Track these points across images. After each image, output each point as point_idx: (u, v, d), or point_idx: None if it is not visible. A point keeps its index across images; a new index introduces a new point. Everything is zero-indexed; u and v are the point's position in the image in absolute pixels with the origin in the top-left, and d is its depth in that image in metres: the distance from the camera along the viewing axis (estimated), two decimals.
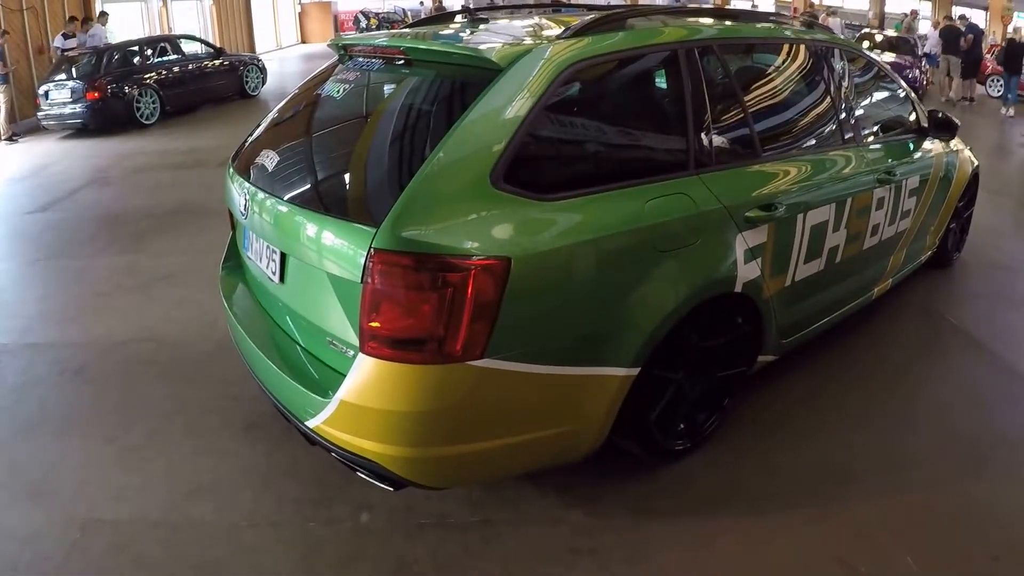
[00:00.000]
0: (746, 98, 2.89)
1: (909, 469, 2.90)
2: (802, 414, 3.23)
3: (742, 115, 2.82)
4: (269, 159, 2.66)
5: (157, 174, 8.25)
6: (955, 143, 4.29)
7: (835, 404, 3.33)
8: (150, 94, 11.63)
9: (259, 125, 3.03)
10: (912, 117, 3.96)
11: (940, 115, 4.00)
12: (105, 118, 10.94)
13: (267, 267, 2.54)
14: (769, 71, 3.19)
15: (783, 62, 3.23)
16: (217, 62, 13.36)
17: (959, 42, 13.81)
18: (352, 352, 2.14)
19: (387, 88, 2.71)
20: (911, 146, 3.78)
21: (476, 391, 2.08)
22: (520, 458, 2.39)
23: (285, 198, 2.40)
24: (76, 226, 6.37)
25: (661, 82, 2.67)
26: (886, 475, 2.86)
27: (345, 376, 2.09)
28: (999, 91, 14.25)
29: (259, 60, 14.87)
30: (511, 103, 2.15)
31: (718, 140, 2.68)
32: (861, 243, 3.35)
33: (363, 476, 2.31)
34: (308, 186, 2.51)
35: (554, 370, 2.21)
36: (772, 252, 2.75)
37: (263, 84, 14.62)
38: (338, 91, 2.75)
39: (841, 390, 3.45)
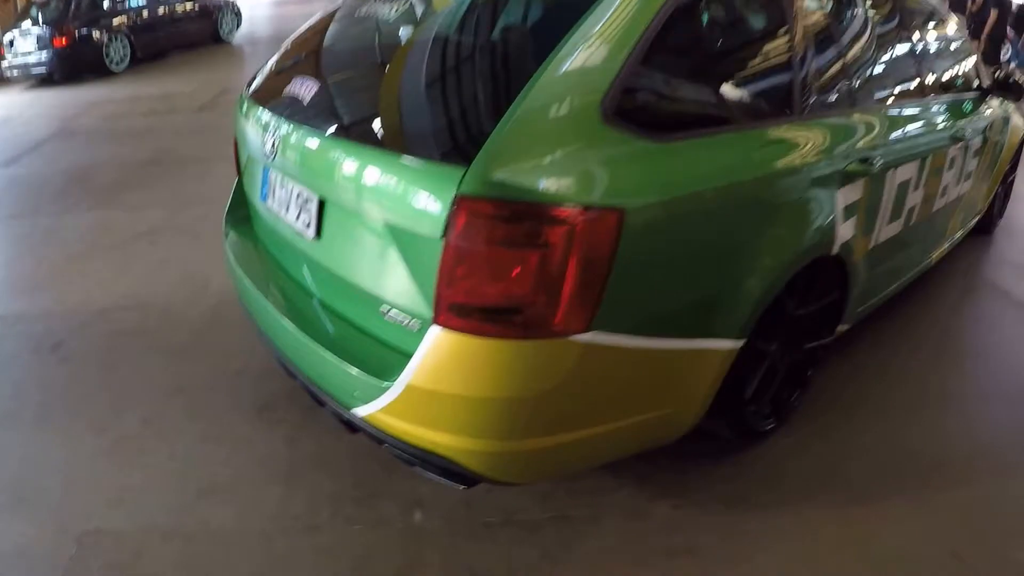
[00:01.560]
0: (846, 41, 2.61)
1: (1003, 451, 2.59)
2: (879, 391, 2.93)
3: (843, 58, 2.53)
4: (307, 88, 2.19)
5: (129, 122, 7.59)
6: (1008, 105, 4.12)
7: (909, 379, 3.03)
8: (120, 39, 11.10)
9: (285, 48, 2.56)
10: (976, 74, 3.77)
11: (1004, 75, 3.80)
12: (73, 65, 10.55)
13: (297, 219, 2.07)
14: (864, 16, 2.89)
15: (875, 8, 2.97)
16: (189, 5, 12.72)
17: (967, 1, 13.24)
18: (419, 325, 1.73)
19: None
20: (976, 105, 3.59)
21: (578, 372, 1.71)
22: (613, 447, 2.05)
23: (331, 132, 1.96)
24: (43, 181, 5.76)
25: (775, 15, 2.32)
26: (980, 459, 2.56)
27: (410, 354, 1.70)
28: (1006, 54, 13.72)
29: (234, 3, 14.02)
30: (623, 21, 1.79)
31: (823, 83, 2.40)
32: (932, 204, 3.14)
33: (424, 472, 1.92)
34: (365, 118, 2.05)
35: (663, 344, 1.89)
36: (864, 211, 2.49)
37: (238, 28, 13.91)
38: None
39: (911, 364, 3.14)
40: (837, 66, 2.49)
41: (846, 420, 2.72)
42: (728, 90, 2.12)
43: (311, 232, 2.01)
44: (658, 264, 1.78)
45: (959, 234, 3.90)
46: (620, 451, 2.10)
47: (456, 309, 1.62)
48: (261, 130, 2.18)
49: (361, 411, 1.85)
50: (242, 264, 2.37)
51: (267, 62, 2.56)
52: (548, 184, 1.59)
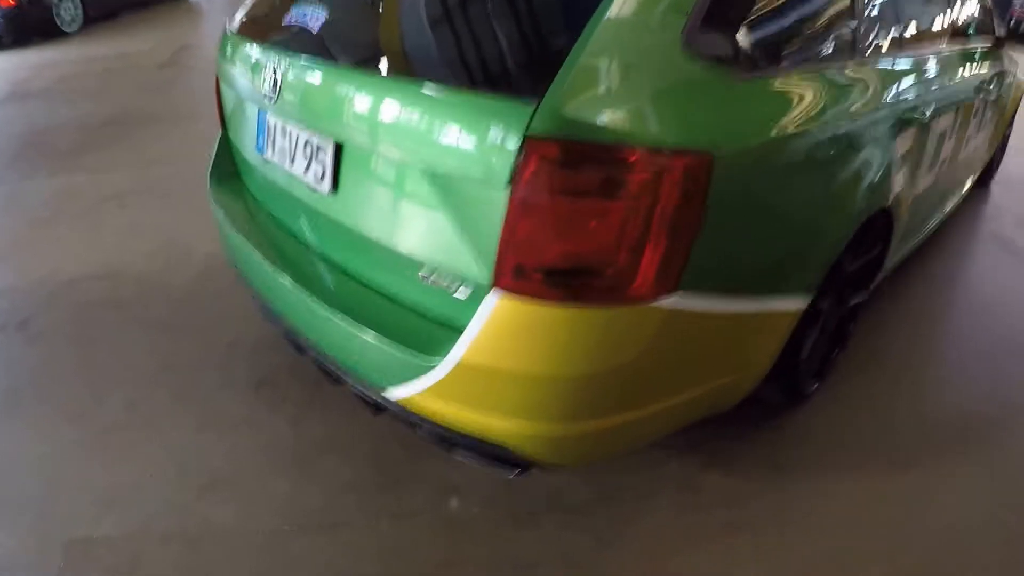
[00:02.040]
0: None
1: None
2: (904, 348, 2.83)
3: None
4: (313, 11, 1.86)
5: (85, 83, 7.05)
6: (1017, 57, 4.11)
7: (934, 335, 2.94)
8: None
9: None
10: (992, 23, 3.64)
11: (1016, 22, 3.65)
12: (22, 27, 9.83)
13: (307, 171, 1.76)
14: None
15: None
16: None
17: None
18: (470, 291, 1.47)
19: None
20: (993, 54, 3.47)
21: (656, 342, 1.50)
22: (675, 420, 1.85)
23: (350, 63, 1.68)
24: None
25: None
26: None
27: (460, 327, 1.47)
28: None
29: None
30: None
31: (881, 24, 2.21)
32: (958, 155, 3.05)
33: (467, 459, 1.69)
34: (396, 44, 1.73)
35: (742, 306, 1.71)
36: (912, 161, 2.35)
37: None
38: None
39: (934, 319, 3.05)
40: (890, 6, 2.29)
41: (883, 379, 2.60)
42: (807, 25, 1.88)
43: (325, 185, 1.71)
44: (745, 216, 1.57)
45: (968, 185, 3.86)
46: (680, 424, 1.88)
47: (521, 272, 1.37)
48: (254, 70, 1.85)
49: (396, 393, 1.59)
50: (235, 226, 2.05)
51: None
52: (634, 123, 1.34)
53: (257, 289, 2.01)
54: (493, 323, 1.41)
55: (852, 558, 1.89)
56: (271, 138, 1.88)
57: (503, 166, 1.32)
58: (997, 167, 4.73)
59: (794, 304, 1.87)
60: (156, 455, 2.14)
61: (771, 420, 2.33)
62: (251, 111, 2.01)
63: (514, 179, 1.32)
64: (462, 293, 1.50)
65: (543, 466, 1.67)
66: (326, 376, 1.94)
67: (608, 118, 1.32)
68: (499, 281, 1.40)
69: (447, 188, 1.44)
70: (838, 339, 2.45)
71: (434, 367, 1.48)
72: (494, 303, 1.40)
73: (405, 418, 1.67)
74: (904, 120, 2.18)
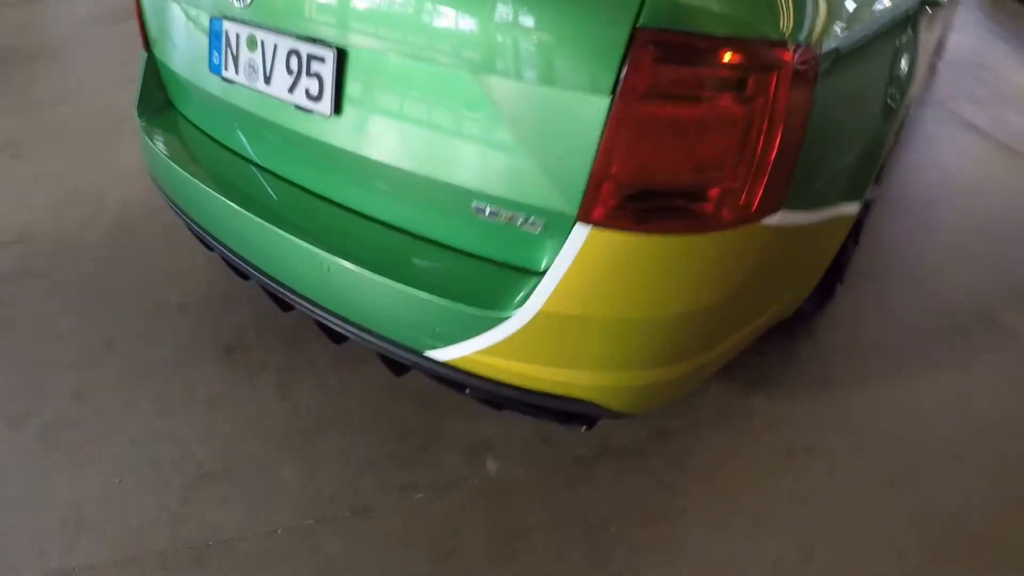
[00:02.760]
0: None
1: None
2: (905, 243, 2.76)
3: None
4: None
5: None
6: None
7: (931, 232, 2.85)
8: None
9: None
10: None
11: None
12: None
13: (292, 90, 1.40)
14: None
15: None
16: None
17: None
18: (541, 225, 1.22)
19: None
20: None
21: (759, 264, 1.33)
22: (746, 343, 1.64)
23: None
24: None
25: None
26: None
27: (534, 268, 1.26)
28: None
29: None
30: None
31: None
32: (934, 44, 3.09)
33: (522, 417, 1.49)
34: None
35: (823, 215, 1.53)
36: (922, 51, 2.19)
37: None
38: None
39: (925, 214, 2.97)
40: None
41: (888, 288, 2.50)
42: None
43: (323, 105, 1.35)
44: (837, 118, 1.39)
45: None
46: (746, 345, 1.67)
47: (620, 198, 1.15)
48: None
49: (445, 353, 1.34)
50: (190, 168, 1.66)
51: None
52: (750, 14, 1.11)
53: (223, 241, 1.65)
54: (583, 262, 1.18)
55: (928, 456, 1.82)
56: (233, 53, 1.48)
57: (602, 67, 1.06)
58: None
59: (855, 208, 1.76)
60: (121, 452, 1.79)
61: (801, 331, 2.20)
62: (198, 22, 1.59)
63: (618, 83, 1.06)
64: (533, 227, 1.23)
65: (619, 417, 1.45)
66: (328, 335, 1.63)
67: (727, 9, 1.10)
68: (591, 211, 1.16)
69: (515, 98, 1.15)
70: (856, 237, 2.32)
71: (504, 321, 1.24)
72: (584, 238, 1.17)
73: (449, 379, 1.41)
74: (929, 4, 2.08)
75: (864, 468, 1.79)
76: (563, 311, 1.22)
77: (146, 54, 1.89)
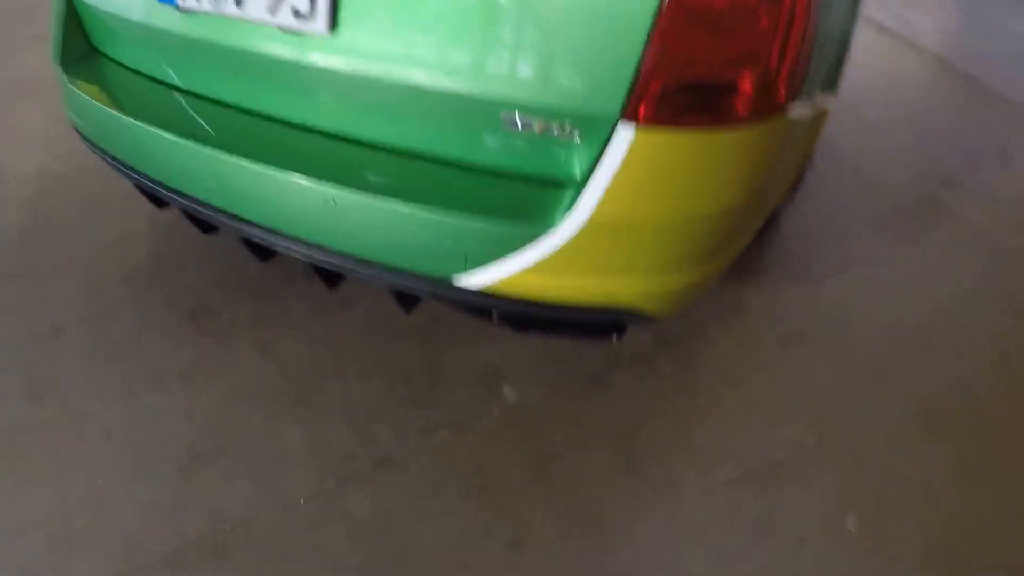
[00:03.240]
0: None
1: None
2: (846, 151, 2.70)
3: None
4: None
5: None
6: None
7: (854, 124, 2.83)
8: None
9: None
10: None
11: None
12: None
13: (275, 10, 1.20)
14: None
15: None
16: None
17: None
18: (578, 133, 1.14)
19: None
20: None
21: (779, 156, 1.31)
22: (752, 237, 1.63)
23: None
24: None
25: None
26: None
27: (572, 178, 1.18)
28: None
29: None
30: None
31: None
32: None
33: (548, 335, 1.52)
34: None
35: (815, 107, 1.46)
36: None
37: None
38: None
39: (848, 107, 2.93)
40: None
41: (841, 170, 2.52)
42: None
43: (317, 23, 1.17)
44: (832, 9, 1.33)
45: None
46: None
47: (667, 94, 1.09)
48: None
49: (476, 279, 1.24)
50: (137, 115, 1.42)
51: None
52: None
53: (188, 192, 1.45)
54: (629, 165, 1.12)
55: (908, 339, 1.86)
56: None
57: None
58: None
59: (834, 100, 1.70)
60: (97, 449, 1.60)
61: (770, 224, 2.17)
62: None
63: None
64: (568, 135, 1.14)
65: (652, 322, 1.38)
66: (324, 278, 1.50)
67: None
68: (636, 110, 1.09)
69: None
70: None
71: (547, 236, 1.17)
72: (630, 139, 1.10)
73: (478, 306, 1.34)
74: None
75: (855, 353, 1.82)
76: (611, 218, 1.16)
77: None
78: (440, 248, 1.22)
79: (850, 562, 1.40)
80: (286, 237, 1.35)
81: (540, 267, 1.20)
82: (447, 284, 1.26)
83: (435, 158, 1.25)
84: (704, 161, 1.16)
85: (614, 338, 1.45)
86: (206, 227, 1.80)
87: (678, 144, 1.13)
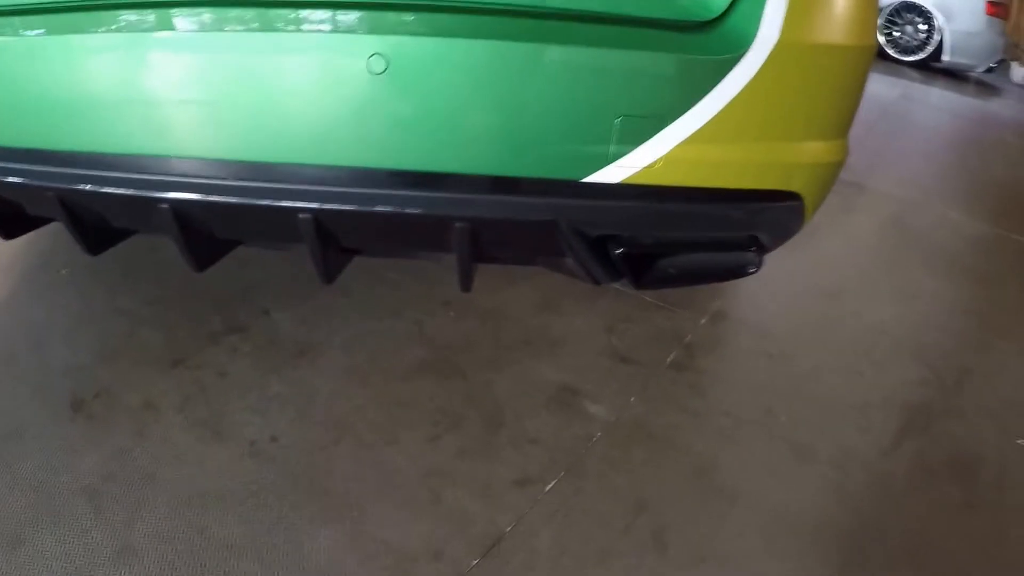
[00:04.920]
0: None
1: None
2: None
3: None
4: None
5: None
6: None
7: None
8: None
9: None
10: None
11: None
12: None
13: None
14: None
15: None
16: None
17: None
18: None
19: None
20: None
21: None
22: None
23: None
24: None
25: None
26: None
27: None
28: None
29: None
30: None
31: None
32: None
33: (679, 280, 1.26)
34: None
35: None
36: None
37: None
38: None
39: None
40: None
41: None
42: None
43: None
44: None
45: None
46: None
47: None
48: None
49: (624, 165, 1.03)
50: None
51: None
52: None
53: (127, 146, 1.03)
54: None
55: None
56: None
57: None
58: None
59: None
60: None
61: None
62: None
63: None
64: None
65: (774, 247, 1.26)
66: (321, 265, 1.18)
67: None
68: None
69: None
70: None
71: (736, 64, 1.01)
72: None
73: (608, 223, 1.12)
74: None
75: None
76: (801, 38, 1.04)
77: None
78: (581, 124, 1.00)
79: None
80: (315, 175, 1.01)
81: (707, 130, 1.03)
82: (575, 188, 1.04)
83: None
84: None
85: (752, 269, 1.23)
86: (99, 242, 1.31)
87: None
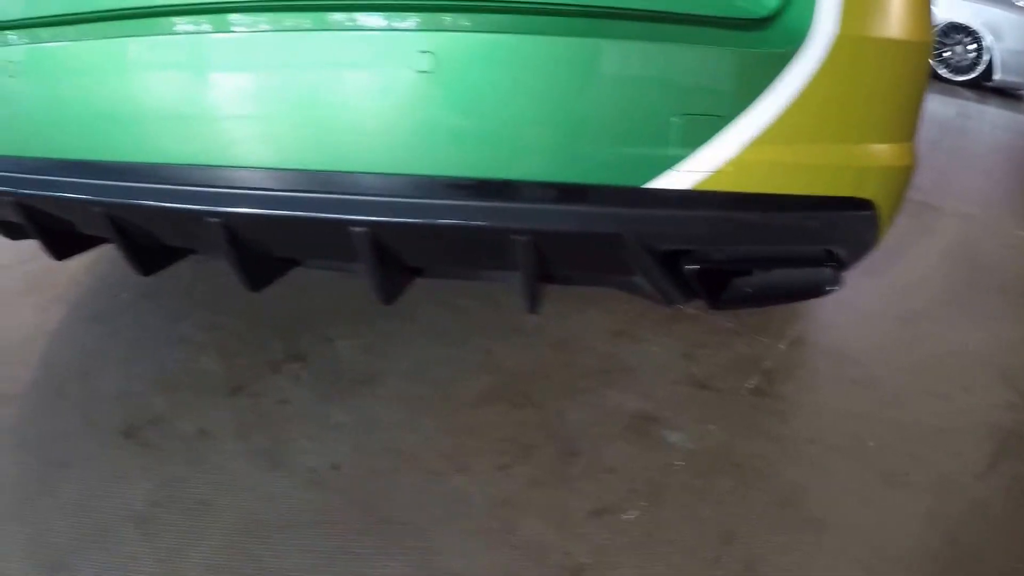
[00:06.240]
0: None
1: None
2: None
3: None
4: None
5: None
6: None
7: None
8: None
9: None
10: None
11: None
12: None
13: None
14: None
15: None
16: None
17: None
18: None
19: None
20: None
21: None
22: None
23: None
24: None
25: None
26: None
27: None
28: None
29: None
30: None
31: None
32: None
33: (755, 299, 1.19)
34: None
35: None
36: None
37: None
38: None
39: None
40: None
41: None
42: None
43: None
44: None
45: None
46: None
47: None
48: None
49: (688, 170, 0.98)
50: None
51: None
52: None
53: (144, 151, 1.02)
54: None
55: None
56: None
57: None
58: None
59: None
60: None
61: None
62: None
63: None
64: None
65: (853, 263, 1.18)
66: (380, 288, 1.13)
67: None
68: None
69: None
70: None
71: (797, 57, 0.97)
72: None
73: (676, 237, 1.06)
74: None
75: None
76: (861, 32, 1.02)
77: None
78: (638, 123, 0.96)
79: None
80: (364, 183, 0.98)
81: (773, 131, 0.99)
82: (638, 196, 0.99)
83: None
84: None
85: (832, 287, 1.15)
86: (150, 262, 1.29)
87: None
